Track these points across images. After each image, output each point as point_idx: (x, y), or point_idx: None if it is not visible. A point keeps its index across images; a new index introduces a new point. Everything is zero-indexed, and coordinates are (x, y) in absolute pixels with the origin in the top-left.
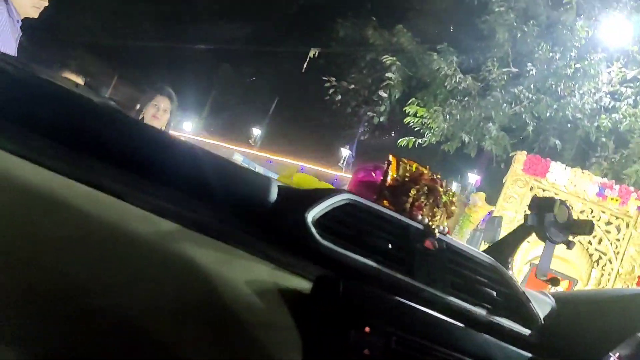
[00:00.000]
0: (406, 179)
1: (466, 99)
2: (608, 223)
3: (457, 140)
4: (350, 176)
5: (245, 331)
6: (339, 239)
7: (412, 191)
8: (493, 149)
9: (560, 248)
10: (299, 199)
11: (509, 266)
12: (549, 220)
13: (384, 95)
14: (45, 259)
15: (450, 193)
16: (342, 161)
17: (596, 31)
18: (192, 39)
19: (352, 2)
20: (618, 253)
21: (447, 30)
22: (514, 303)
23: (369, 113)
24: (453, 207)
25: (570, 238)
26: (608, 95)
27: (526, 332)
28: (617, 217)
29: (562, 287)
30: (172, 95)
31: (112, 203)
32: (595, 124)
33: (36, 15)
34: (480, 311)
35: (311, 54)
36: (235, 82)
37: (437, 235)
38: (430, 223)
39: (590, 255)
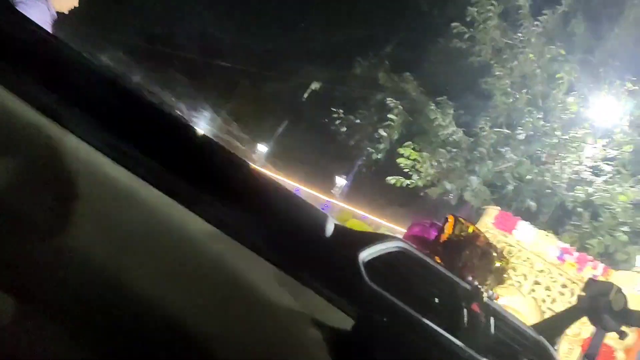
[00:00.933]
0: (461, 239)
1: (455, 150)
2: (563, 286)
3: (440, 187)
4: (343, 204)
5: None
6: (387, 283)
7: (465, 251)
8: (472, 201)
9: (515, 299)
10: (354, 239)
11: (556, 346)
12: (604, 306)
13: (384, 134)
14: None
15: (505, 260)
16: (337, 189)
17: (585, 109)
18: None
19: (375, 43)
20: None
21: (451, 85)
22: None
23: (369, 149)
24: (505, 275)
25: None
26: (589, 169)
27: None
28: (572, 282)
29: None
30: None
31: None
32: (571, 193)
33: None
34: None
35: (313, 87)
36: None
37: (485, 299)
38: (478, 286)
39: (543, 313)
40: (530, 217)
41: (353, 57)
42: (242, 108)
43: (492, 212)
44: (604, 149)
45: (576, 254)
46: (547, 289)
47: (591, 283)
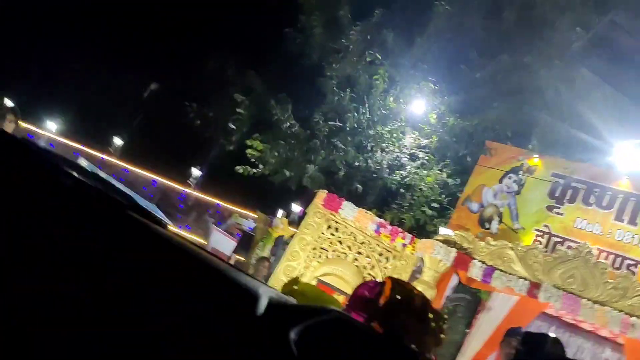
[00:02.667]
0: (398, 301)
1: (294, 142)
2: (380, 254)
3: (281, 174)
4: (196, 193)
5: None
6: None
7: (402, 316)
8: (310, 185)
9: (342, 266)
10: (287, 314)
11: None
12: (542, 358)
13: (233, 127)
14: None
15: (442, 322)
16: (192, 179)
17: (400, 105)
18: None
19: (230, 42)
20: (384, 278)
21: (291, 83)
22: None
23: (222, 140)
24: (442, 335)
25: None
26: (407, 156)
27: None
28: (387, 250)
29: (339, 299)
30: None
31: None
32: (392, 176)
33: None
34: None
35: (152, 87)
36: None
37: None
38: (418, 350)
39: (364, 278)
40: (359, 199)
41: (207, 54)
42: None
43: (321, 195)
44: (418, 139)
45: (389, 227)
46: (368, 257)
47: (528, 334)
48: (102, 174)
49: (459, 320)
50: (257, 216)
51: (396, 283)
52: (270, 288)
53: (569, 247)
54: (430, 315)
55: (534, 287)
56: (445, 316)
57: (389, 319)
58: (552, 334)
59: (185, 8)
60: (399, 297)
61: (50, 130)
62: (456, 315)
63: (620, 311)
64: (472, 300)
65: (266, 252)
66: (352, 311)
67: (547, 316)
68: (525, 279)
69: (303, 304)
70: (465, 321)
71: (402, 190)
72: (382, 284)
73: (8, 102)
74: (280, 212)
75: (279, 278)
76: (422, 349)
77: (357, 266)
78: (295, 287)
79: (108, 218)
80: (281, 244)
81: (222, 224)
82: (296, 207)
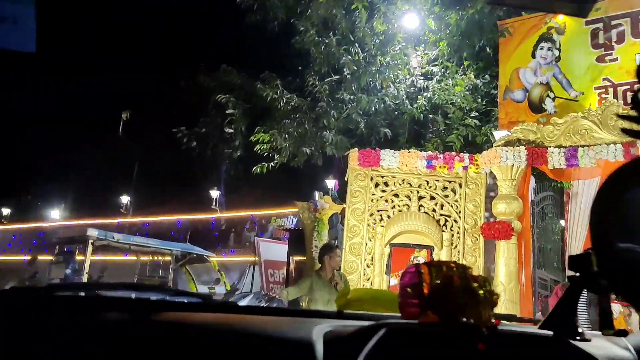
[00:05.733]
0: (440, 285)
1: (298, 115)
2: (444, 188)
3: (301, 155)
4: (225, 214)
5: None
6: None
7: (448, 297)
8: (335, 153)
9: (409, 220)
10: (344, 345)
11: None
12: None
13: (231, 130)
14: None
15: (488, 285)
16: (214, 203)
17: (391, 26)
18: None
19: (188, 50)
20: (459, 212)
21: (268, 58)
22: None
23: (226, 150)
24: (495, 296)
25: None
26: (421, 78)
27: None
28: (449, 182)
29: (422, 256)
30: None
31: None
32: (415, 105)
33: None
34: None
35: (123, 116)
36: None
37: (486, 332)
38: (474, 323)
39: (437, 221)
40: (392, 143)
41: (172, 74)
42: None
43: (354, 155)
44: (426, 53)
45: (441, 156)
46: (432, 197)
47: (571, 259)
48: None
49: (553, 220)
50: (296, 208)
51: (432, 267)
52: (320, 318)
53: None
54: (475, 285)
55: (630, 146)
56: (489, 280)
57: (438, 305)
58: None
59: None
60: (438, 281)
61: (56, 219)
62: (547, 216)
63: None
64: (556, 195)
65: (326, 240)
66: (405, 301)
67: None
68: (614, 143)
69: (357, 327)
70: (559, 218)
71: (432, 116)
72: (420, 272)
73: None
74: (317, 194)
75: (347, 260)
76: (479, 319)
77: (425, 213)
78: (348, 297)
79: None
80: (337, 223)
81: (264, 233)
82: (330, 182)
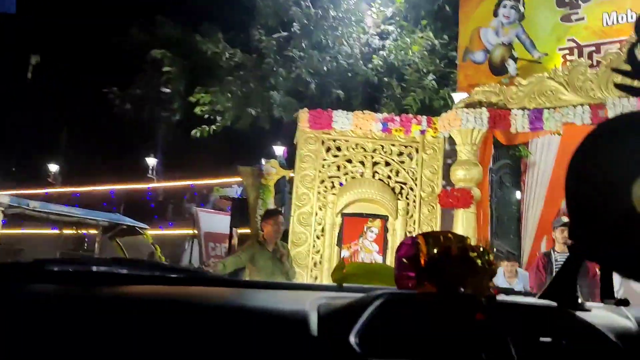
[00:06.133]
0: (437, 256)
1: (242, 73)
2: (400, 154)
3: (246, 116)
4: (163, 184)
5: None
6: (389, 345)
7: (446, 267)
8: (284, 116)
9: (363, 188)
10: (340, 317)
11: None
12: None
13: (168, 90)
14: None
15: (487, 254)
16: (151, 172)
17: None
18: None
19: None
20: (416, 179)
21: (210, 9)
22: (586, 339)
23: (163, 114)
24: (493, 267)
25: None
26: (376, 37)
27: None
28: (406, 146)
29: (375, 226)
30: None
31: None
32: (370, 65)
33: None
34: None
35: (33, 61)
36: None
37: (485, 302)
38: (473, 293)
39: (393, 189)
40: (345, 106)
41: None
42: None
43: (303, 116)
44: (381, 10)
45: (397, 118)
46: (387, 163)
47: (572, 229)
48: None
49: (510, 190)
50: (240, 174)
51: (429, 238)
52: (314, 292)
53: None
54: (473, 254)
55: (597, 108)
56: (488, 249)
57: (436, 276)
58: None
59: None
60: (435, 250)
61: None
62: (505, 186)
63: None
64: (513, 164)
65: (271, 207)
66: (401, 274)
67: None
68: (582, 104)
69: (352, 300)
70: (515, 188)
71: (387, 79)
72: (417, 243)
73: None
74: (263, 161)
75: (295, 231)
76: (478, 289)
77: (380, 180)
78: (343, 270)
79: None
80: (284, 188)
81: (206, 204)
82: (279, 149)
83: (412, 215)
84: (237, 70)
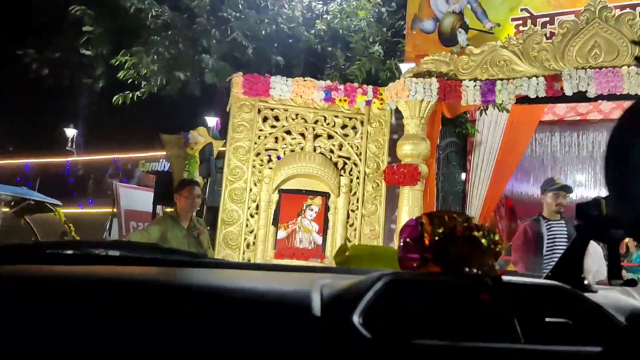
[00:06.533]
0: (442, 236)
1: (171, 33)
2: (344, 126)
3: (175, 81)
4: (83, 158)
5: None
6: (393, 325)
7: (450, 248)
8: (217, 82)
9: (303, 162)
10: (343, 299)
11: (585, 284)
12: (603, 219)
13: (89, 52)
14: None
15: (492, 234)
16: (70, 144)
17: None
18: None
19: None
20: (360, 154)
21: None
22: (594, 321)
23: (85, 80)
24: (499, 247)
25: None
26: (319, 2)
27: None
28: (350, 118)
29: (316, 204)
30: None
31: None
32: (313, 31)
33: None
34: (558, 347)
35: None
36: None
37: (490, 282)
38: (479, 272)
39: (335, 164)
40: (284, 75)
41: None
42: None
43: (237, 81)
44: None
45: (341, 87)
46: (330, 136)
47: (580, 207)
48: None
49: (456, 169)
50: (164, 144)
51: (434, 217)
52: (316, 274)
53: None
54: (479, 234)
55: (553, 80)
56: (493, 230)
57: (440, 256)
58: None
59: None
60: (440, 230)
61: None
62: (451, 164)
63: None
64: (460, 142)
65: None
66: (405, 255)
67: (547, 124)
68: (537, 76)
69: (355, 281)
70: (461, 168)
71: (331, 48)
72: (421, 223)
73: None
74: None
75: (227, 208)
76: (483, 269)
77: (322, 154)
78: (347, 253)
79: None
80: (209, 155)
81: (131, 180)
82: (211, 120)
83: (355, 193)
84: (165, 31)
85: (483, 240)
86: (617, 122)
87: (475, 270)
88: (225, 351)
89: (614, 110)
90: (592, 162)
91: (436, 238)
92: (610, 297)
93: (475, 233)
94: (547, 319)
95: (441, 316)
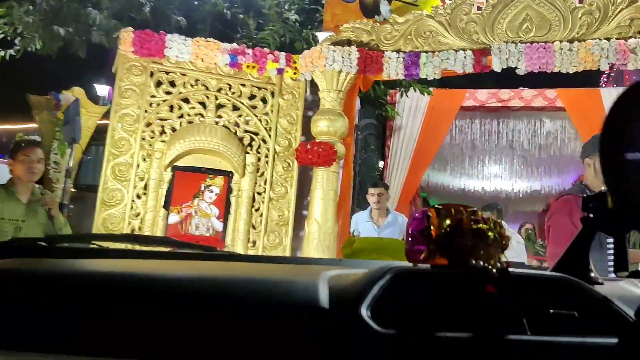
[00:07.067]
0: (448, 229)
1: None
2: (252, 97)
3: (55, 38)
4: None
5: None
6: (400, 318)
7: (457, 240)
8: (106, 43)
9: (202, 135)
10: (350, 291)
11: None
12: (608, 210)
13: None
14: None
15: (498, 227)
16: None
17: None
18: None
19: None
20: (270, 130)
21: None
22: (600, 312)
23: None
24: (505, 241)
25: None
26: None
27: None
28: (259, 88)
29: (216, 184)
30: None
31: None
32: None
33: None
34: (564, 338)
35: None
36: None
37: (496, 275)
38: (485, 265)
39: (241, 140)
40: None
41: None
42: None
43: (126, 38)
44: None
45: (250, 52)
46: (235, 108)
47: (585, 200)
48: None
49: (374, 154)
50: (31, 106)
51: (440, 210)
52: (323, 267)
53: None
54: (485, 227)
55: (481, 54)
56: (498, 220)
57: (447, 249)
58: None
59: None
60: (447, 222)
61: None
62: (370, 148)
63: (607, 39)
64: (379, 126)
65: (68, 152)
66: (412, 248)
67: (468, 110)
68: (464, 49)
69: (363, 273)
70: (379, 152)
71: (242, 16)
72: (428, 216)
73: None
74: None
75: (109, 187)
76: (490, 260)
77: (225, 127)
78: (354, 246)
79: None
80: (74, 116)
81: (4, 155)
82: (102, 88)
83: (263, 173)
84: None
85: (490, 233)
86: (610, 111)
87: (481, 263)
88: (234, 343)
89: (535, 98)
90: (511, 152)
91: (443, 230)
92: (616, 289)
93: (482, 226)
94: (553, 311)
95: (448, 308)
